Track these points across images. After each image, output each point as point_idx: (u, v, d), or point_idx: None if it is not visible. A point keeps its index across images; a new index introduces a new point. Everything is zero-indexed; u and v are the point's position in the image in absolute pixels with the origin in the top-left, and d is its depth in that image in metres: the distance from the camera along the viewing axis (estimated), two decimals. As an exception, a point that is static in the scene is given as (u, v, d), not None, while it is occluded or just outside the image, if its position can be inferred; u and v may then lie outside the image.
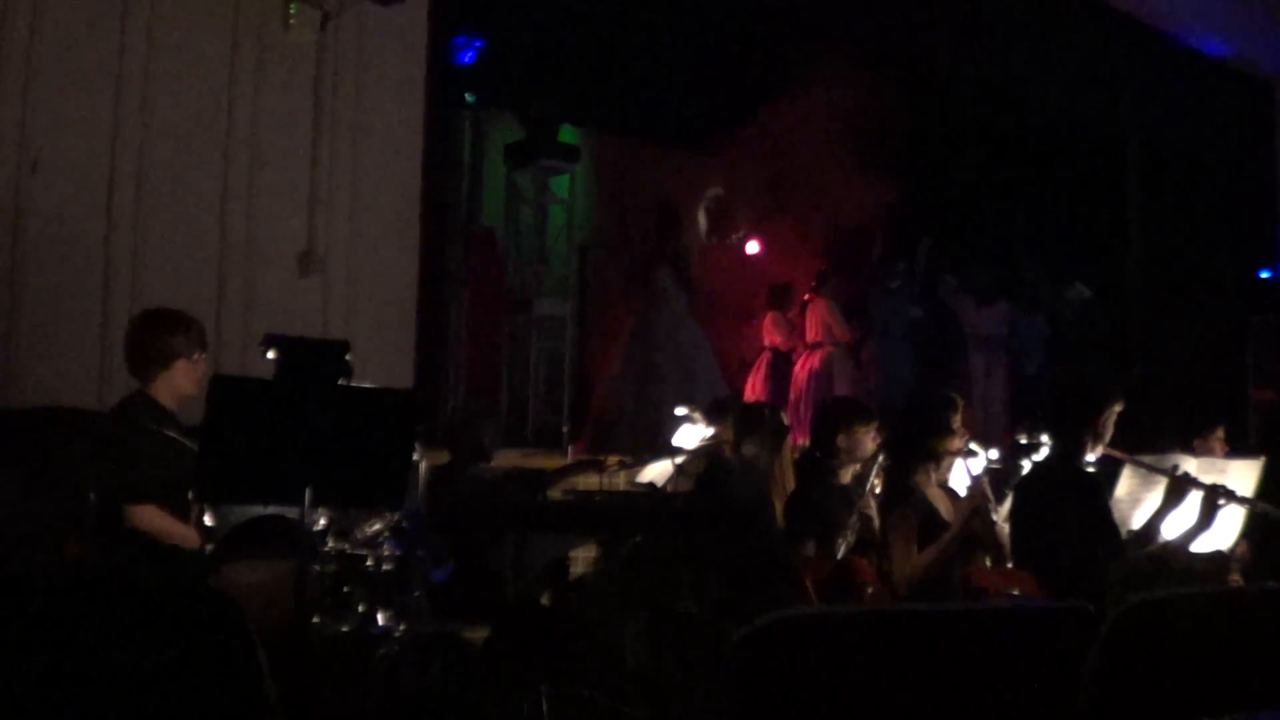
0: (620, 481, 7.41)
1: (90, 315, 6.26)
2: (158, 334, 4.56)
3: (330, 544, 4.41)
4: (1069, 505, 4.44)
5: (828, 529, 5.11)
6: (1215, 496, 4.38)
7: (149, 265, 6.50)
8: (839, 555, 4.97)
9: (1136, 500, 4.72)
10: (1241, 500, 4.49)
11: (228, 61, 6.84)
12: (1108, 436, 4.60)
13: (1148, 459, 4.74)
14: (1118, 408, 4.62)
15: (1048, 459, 4.77)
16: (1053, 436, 4.73)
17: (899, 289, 10.96)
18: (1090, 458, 4.61)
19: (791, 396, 10.41)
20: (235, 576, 4.11)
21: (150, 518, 4.35)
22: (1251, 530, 4.85)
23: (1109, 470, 4.88)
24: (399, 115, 7.57)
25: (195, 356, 4.58)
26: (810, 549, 5.15)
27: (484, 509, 5.94)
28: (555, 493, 6.67)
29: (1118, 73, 11.11)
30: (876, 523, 5.07)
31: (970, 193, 11.68)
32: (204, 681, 1.96)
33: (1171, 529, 4.45)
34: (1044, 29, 10.48)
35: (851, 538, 4.98)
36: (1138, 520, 4.63)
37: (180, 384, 4.55)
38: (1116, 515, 4.69)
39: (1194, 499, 4.44)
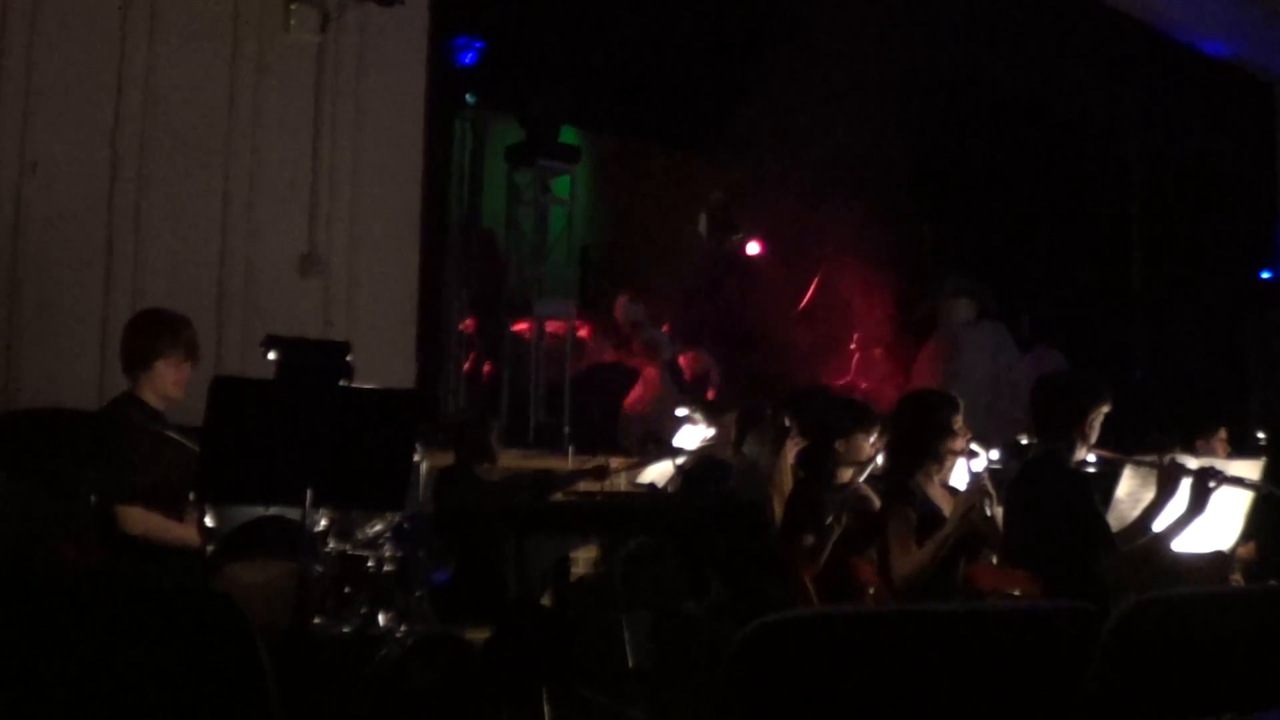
0: (621, 482, 7.42)
1: (90, 317, 6.25)
2: (140, 334, 4.59)
3: (331, 545, 4.42)
4: (1058, 505, 4.45)
5: (823, 529, 5.12)
6: (1206, 479, 4.38)
7: (149, 267, 6.50)
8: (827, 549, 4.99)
9: (1137, 501, 4.72)
10: (1233, 480, 4.49)
11: (228, 62, 6.84)
12: (1094, 437, 4.61)
13: (1146, 459, 4.75)
14: (1105, 409, 4.63)
15: (1035, 459, 4.77)
16: (1040, 437, 4.73)
17: None
18: (1084, 458, 4.62)
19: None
20: (237, 577, 4.11)
21: (140, 520, 4.34)
22: (1259, 528, 4.86)
23: (1108, 472, 4.89)
24: (399, 116, 7.56)
25: (177, 359, 4.58)
26: (808, 541, 5.17)
27: (490, 511, 5.95)
28: (557, 495, 6.69)
29: (1119, 73, 11.10)
30: (876, 503, 5.07)
31: (970, 192, 11.68)
32: (205, 682, 1.96)
33: (1165, 519, 4.45)
34: (1044, 30, 10.48)
35: (842, 519, 5.01)
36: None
37: (160, 384, 4.56)
38: (1117, 516, 4.69)
39: (1187, 487, 4.44)
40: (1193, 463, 4.50)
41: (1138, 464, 4.68)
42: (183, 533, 4.39)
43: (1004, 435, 5.17)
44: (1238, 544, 4.83)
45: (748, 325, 10.98)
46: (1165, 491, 4.42)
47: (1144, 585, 4.16)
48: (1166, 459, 4.48)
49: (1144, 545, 4.40)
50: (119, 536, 4.34)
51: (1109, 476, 4.86)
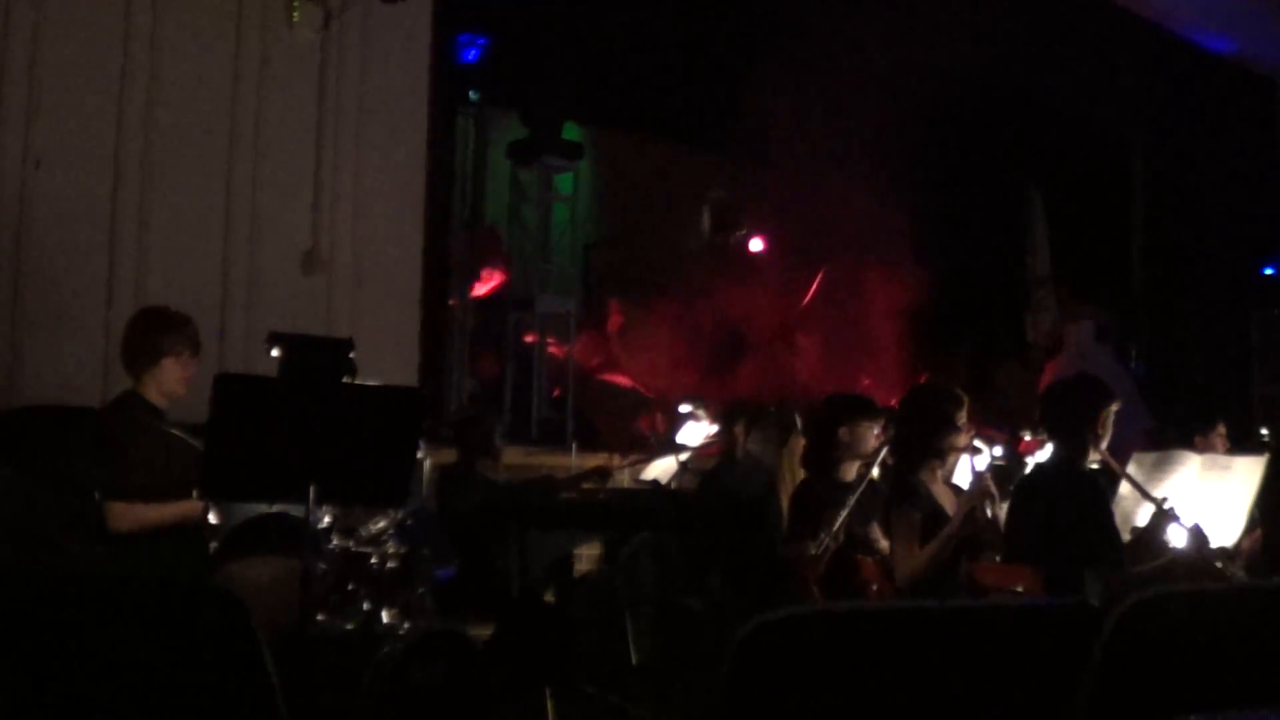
0: (624, 479, 7.42)
1: (94, 313, 6.26)
2: (148, 331, 4.60)
3: (334, 542, 4.43)
4: (1070, 506, 4.46)
5: (827, 528, 5.09)
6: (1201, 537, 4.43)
7: (153, 263, 6.51)
8: (823, 548, 4.95)
9: (1140, 498, 4.73)
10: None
11: (232, 59, 6.84)
12: (1108, 436, 4.62)
13: (1149, 456, 4.77)
14: (1114, 407, 4.64)
15: (1049, 460, 4.78)
16: (1054, 439, 4.74)
17: None
18: (1093, 459, 4.64)
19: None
20: (240, 574, 4.13)
21: (127, 515, 4.35)
22: (1266, 520, 4.88)
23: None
24: (403, 113, 7.56)
25: (184, 356, 4.60)
26: (812, 546, 5.14)
27: (493, 507, 5.96)
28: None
29: (1122, 69, 11.10)
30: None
31: (973, 188, 11.67)
32: (209, 679, 1.97)
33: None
34: (1047, 26, 10.47)
35: (840, 535, 4.94)
36: (1142, 518, 4.64)
37: (166, 382, 4.57)
38: (1122, 512, 4.70)
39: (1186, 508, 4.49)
40: (1208, 473, 4.54)
41: (1141, 494, 4.68)
42: (176, 509, 4.39)
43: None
44: (1242, 538, 4.84)
45: (750, 323, 10.96)
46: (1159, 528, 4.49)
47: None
48: (1167, 505, 4.50)
49: (1155, 569, 4.41)
50: (125, 533, 4.36)
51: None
